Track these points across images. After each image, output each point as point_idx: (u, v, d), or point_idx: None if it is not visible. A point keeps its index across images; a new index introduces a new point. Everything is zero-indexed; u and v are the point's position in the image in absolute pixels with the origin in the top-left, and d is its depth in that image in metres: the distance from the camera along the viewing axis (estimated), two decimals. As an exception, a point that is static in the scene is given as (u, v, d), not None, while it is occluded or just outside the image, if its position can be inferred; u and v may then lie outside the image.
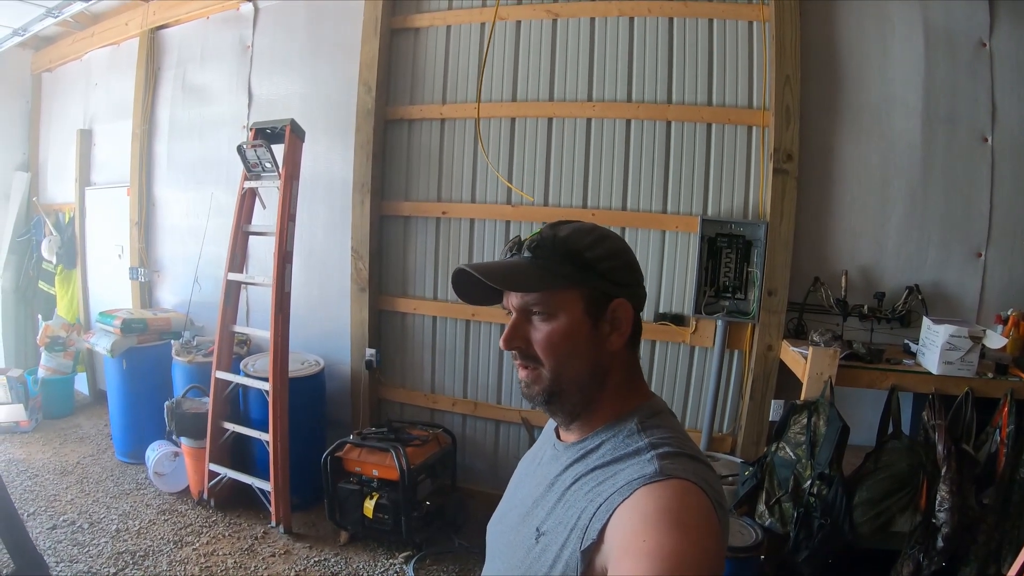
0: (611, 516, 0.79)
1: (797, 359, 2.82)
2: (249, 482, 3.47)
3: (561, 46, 3.46)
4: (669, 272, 3.37)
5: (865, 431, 2.76)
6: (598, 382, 0.92)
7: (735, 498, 2.74)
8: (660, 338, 3.40)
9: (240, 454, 3.61)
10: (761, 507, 2.64)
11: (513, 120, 3.53)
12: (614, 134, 3.39)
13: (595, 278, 0.91)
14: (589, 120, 3.42)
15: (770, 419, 3.13)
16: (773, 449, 2.70)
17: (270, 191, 3.41)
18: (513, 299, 0.93)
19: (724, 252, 3.23)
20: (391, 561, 3.17)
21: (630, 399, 0.95)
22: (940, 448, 2.47)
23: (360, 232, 3.77)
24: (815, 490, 2.49)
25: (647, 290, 1.08)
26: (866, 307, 3.04)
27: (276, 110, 3.89)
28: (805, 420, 2.59)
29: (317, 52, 3.97)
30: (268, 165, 3.33)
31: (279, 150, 3.31)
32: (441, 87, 3.66)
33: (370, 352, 3.80)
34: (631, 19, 3.37)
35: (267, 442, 3.33)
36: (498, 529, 1.05)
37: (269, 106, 4.08)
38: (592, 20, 3.42)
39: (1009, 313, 2.97)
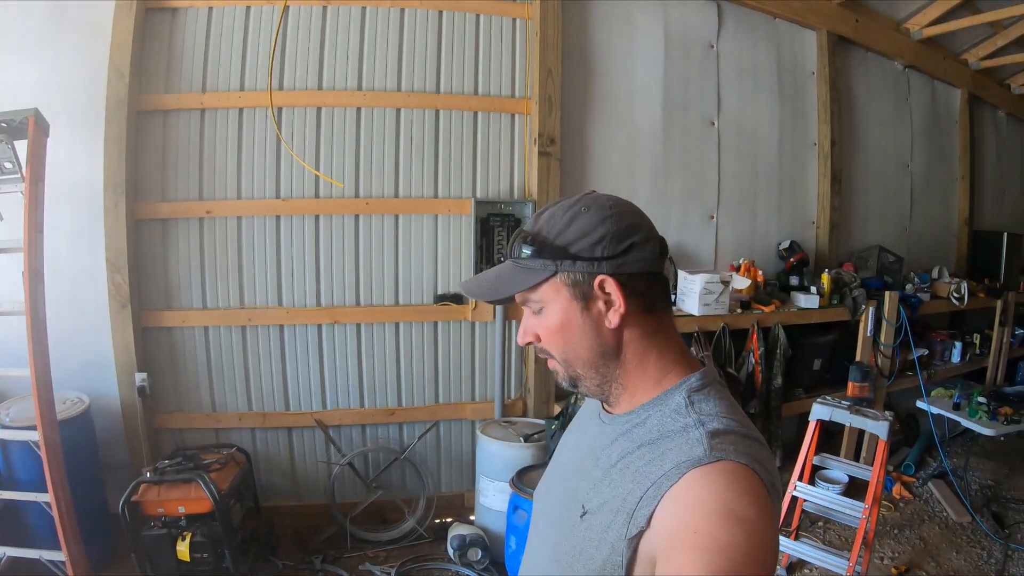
0: (659, 501, 0.75)
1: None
2: (36, 556, 2.77)
3: (331, 34, 3.37)
4: (444, 254, 3.44)
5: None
6: (611, 361, 0.89)
7: (548, 453, 2.85)
8: (442, 318, 3.45)
9: (12, 526, 2.90)
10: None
11: (281, 110, 3.34)
12: (384, 123, 3.39)
13: (569, 261, 0.86)
14: (359, 109, 3.37)
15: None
16: (573, 400, 3.01)
17: (12, 197, 2.77)
18: (516, 297, 0.93)
19: (496, 231, 3.38)
20: (222, 604, 2.75)
21: (672, 370, 0.89)
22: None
23: (116, 241, 3.24)
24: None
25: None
26: (623, 267, 3.42)
27: (3, 101, 3.33)
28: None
29: (59, 31, 3.36)
30: (8, 165, 2.73)
31: (21, 147, 2.74)
32: (201, 74, 3.34)
33: (140, 377, 3.27)
34: (402, 10, 3.40)
35: (46, 503, 2.69)
36: (544, 500, 1.04)
37: (-4, 94, 3.48)
38: (363, 9, 3.38)
39: (740, 262, 3.69)
